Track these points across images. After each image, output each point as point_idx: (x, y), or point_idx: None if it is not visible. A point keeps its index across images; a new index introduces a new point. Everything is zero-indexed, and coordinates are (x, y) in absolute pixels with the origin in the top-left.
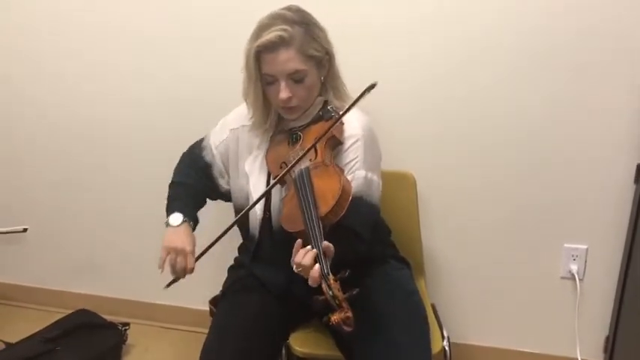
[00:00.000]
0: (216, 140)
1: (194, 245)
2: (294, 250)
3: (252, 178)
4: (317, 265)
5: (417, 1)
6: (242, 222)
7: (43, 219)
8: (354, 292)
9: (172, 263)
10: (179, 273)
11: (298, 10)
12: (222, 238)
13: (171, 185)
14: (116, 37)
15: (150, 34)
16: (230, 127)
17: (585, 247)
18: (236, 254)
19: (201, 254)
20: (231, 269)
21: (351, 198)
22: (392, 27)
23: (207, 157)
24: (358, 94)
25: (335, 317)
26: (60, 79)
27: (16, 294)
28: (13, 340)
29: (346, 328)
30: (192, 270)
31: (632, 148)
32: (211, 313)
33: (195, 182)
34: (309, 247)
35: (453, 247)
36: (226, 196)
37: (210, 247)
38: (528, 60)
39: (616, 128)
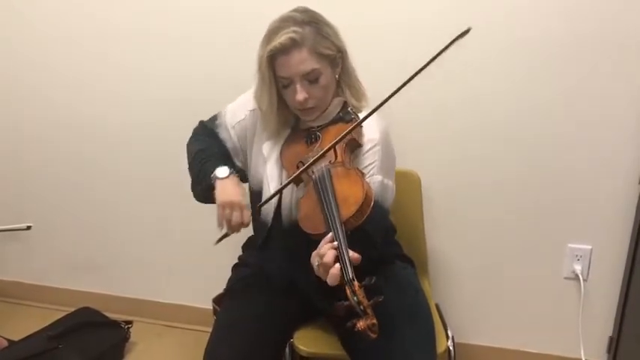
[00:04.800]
0: (233, 120)
1: (245, 196)
2: (319, 246)
3: (270, 161)
4: (337, 265)
5: (422, 2)
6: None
7: (46, 217)
8: (380, 300)
9: (228, 218)
10: (235, 228)
11: (306, 11)
12: (226, 238)
13: (197, 154)
14: (120, 36)
15: (154, 34)
16: (249, 107)
17: (589, 247)
18: (240, 252)
19: (259, 207)
20: (235, 267)
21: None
22: (396, 27)
23: (223, 134)
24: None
25: (361, 324)
26: (64, 78)
27: (20, 291)
28: (16, 337)
29: (372, 335)
30: (248, 224)
31: (636, 148)
32: (215, 311)
33: (219, 148)
34: (330, 235)
35: (457, 246)
36: (240, 175)
37: (270, 198)
38: (532, 61)
39: (620, 128)
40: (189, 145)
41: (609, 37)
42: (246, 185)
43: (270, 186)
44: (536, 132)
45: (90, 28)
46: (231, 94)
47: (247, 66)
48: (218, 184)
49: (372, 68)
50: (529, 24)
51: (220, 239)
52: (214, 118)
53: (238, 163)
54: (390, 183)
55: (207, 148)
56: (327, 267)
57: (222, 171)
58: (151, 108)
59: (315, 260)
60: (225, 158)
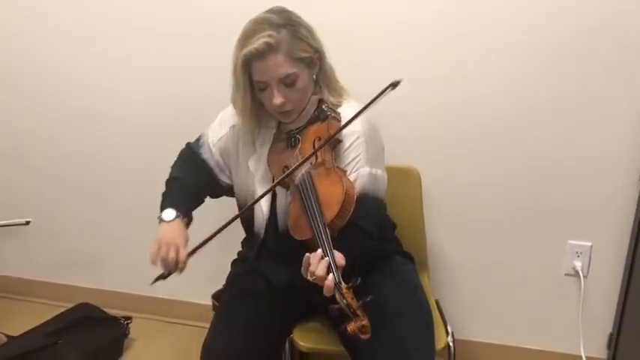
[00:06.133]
0: (215, 137)
1: (186, 240)
2: (306, 260)
3: (257, 176)
4: (331, 275)
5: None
6: (247, 220)
7: (45, 212)
8: (368, 300)
9: (163, 256)
10: (170, 266)
11: (282, 11)
12: (222, 232)
13: (167, 182)
14: (120, 31)
15: (154, 30)
16: (230, 123)
17: (589, 244)
18: (239, 248)
19: (196, 249)
20: (234, 263)
21: (355, 199)
22: (396, 24)
23: (205, 155)
24: (378, 93)
25: (351, 326)
26: (62, 74)
27: (18, 287)
28: (15, 333)
29: (363, 337)
30: (183, 264)
31: (637, 146)
32: (214, 307)
33: (194, 177)
34: (319, 252)
35: (457, 242)
36: (229, 192)
37: (205, 242)
38: (533, 58)
39: (621, 125)
40: (171, 168)
41: (609, 37)
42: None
43: (262, 200)
44: (537, 129)
45: (89, 24)
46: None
47: None
48: (161, 226)
49: (370, 68)
50: (529, 23)
51: (157, 279)
52: (198, 139)
53: (226, 180)
54: (380, 172)
55: (180, 178)
56: (320, 279)
57: (168, 214)
58: (153, 104)
59: (306, 275)
60: (191, 193)
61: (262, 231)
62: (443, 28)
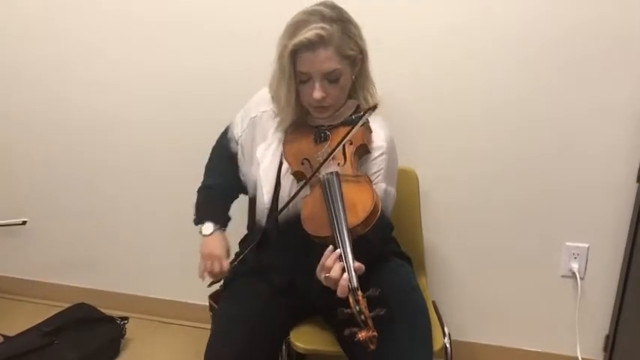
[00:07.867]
0: (239, 131)
1: (227, 249)
2: (322, 259)
3: (262, 164)
4: (345, 275)
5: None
6: (250, 208)
7: (42, 212)
8: (382, 313)
9: (210, 269)
10: (217, 277)
11: (334, 7)
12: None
13: (200, 190)
14: (111, 24)
15: (150, 23)
16: (250, 115)
17: (586, 245)
18: (237, 249)
19: (235, 260)
20: (232, 263)
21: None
22: (393, 21)
23: (234, 149)
24: (361, 114)
25: (362, 335)
26: (60, 73)
27: (15, 287)
28: (12, 333)
29: (371, 346)
30: (226, 273)
31: (634, 147)
32: (211, 308)
33: (225, 179)
34: (338, 251)
35: (454, 244)
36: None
37: (241, 254)
38: (530, 58)
39: (618, 126)
40: (205, 169)
41: (609, 37)
42: None
43: (264, 190)
44: (534, 131)
45: (82, 18)
46: (236, 90)
47: (253, 61)
48: (203, 240)
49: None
50: (528, 20)
51: (212, 283)
52: (226, 132)
53: None
54: (393, 190)
55: (213, 187)
56: (335, 281)
57: (207, 228)
58: (151, 105)
59: (321, 274)
60: (226, 199)
61: (263, 220)
62: (439, 26)
